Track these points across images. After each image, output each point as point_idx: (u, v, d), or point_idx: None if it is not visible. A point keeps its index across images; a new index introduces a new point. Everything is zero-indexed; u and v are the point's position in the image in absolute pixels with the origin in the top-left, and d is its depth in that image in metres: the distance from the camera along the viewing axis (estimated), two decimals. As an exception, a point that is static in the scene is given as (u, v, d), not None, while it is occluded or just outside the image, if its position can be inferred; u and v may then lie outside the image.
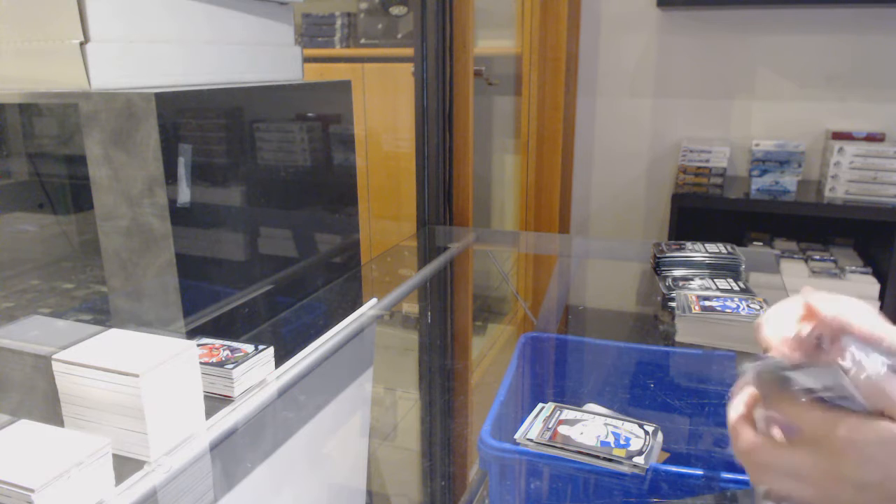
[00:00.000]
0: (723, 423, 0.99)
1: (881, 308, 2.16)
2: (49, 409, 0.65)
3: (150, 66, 0.87)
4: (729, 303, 1.06)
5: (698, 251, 1.28)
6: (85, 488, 0.53)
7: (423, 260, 1.51)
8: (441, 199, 1.66)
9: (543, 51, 2.32)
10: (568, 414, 0.85)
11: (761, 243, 2.38)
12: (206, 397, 0.69)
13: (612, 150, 2.69)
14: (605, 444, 0.78)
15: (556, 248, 1.80)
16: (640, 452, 0.76)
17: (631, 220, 2.73)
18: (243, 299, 0.95)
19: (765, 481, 0.44)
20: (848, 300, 0.44)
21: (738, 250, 1.29)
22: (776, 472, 0.43)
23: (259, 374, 0.78)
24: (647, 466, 0.75)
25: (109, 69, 0.81)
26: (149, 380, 0.60)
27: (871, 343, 0.40)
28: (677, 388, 1.02)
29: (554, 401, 0.88)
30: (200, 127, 0.85)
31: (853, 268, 2.18)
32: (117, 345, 0.65)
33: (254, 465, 0.72)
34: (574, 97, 2.63)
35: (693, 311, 1.03)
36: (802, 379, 0.41)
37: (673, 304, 1.09)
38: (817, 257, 2.24)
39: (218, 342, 0.79)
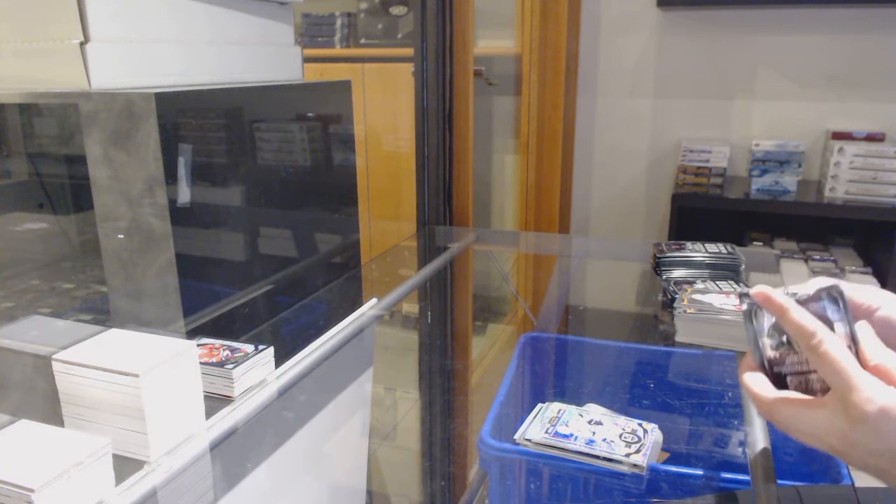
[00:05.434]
0: (723, 423, 0.99)
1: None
2: (49, 409, 0.65)
3: (150, 66, 0.87)
4: (729, 303, 1.06)
5: (698, 251, 1.28)
6: (85, 488, 0.53)
7: (423, 260, 1.51)
8: (441, 200, 1.66)
9: (543, 51, 2.32)
10: (568, 414, 0.85)
11: (761, 243, 2.38)
12: (206, 397, 0.69)
13: (613, 150, 2.69)
14: (604, 443, 0.78)
15: (556, 248, 1.80)
16: (639, 452, 0.76)
17: (631, 220, 2.73)
18: (243, 299, 0.95)
19: (788, 433, 0.51)
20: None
21: (738, 250, 1.29)
22: (797, 431, 0.50)
23: (259, 374, 0.78)
24: (646, 466, 0.75)
25: (109, 69, 0.81)
26: (149, 380, 0.60)
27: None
28: (677, 388, 1.02)
29: (554, 401, 0.88)
30: (200, 127, 0.85)
31: (853, 268, 2.18)
32: (117, 345, 0.65)
33: (254, 466, 0.72)
34: (574, 97, 2.63)
35: (692, 312, 1.03)
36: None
37: (673, 304, 1.09)
38: (817, 257, 2.24)
39: (218, 342, 0.79)
